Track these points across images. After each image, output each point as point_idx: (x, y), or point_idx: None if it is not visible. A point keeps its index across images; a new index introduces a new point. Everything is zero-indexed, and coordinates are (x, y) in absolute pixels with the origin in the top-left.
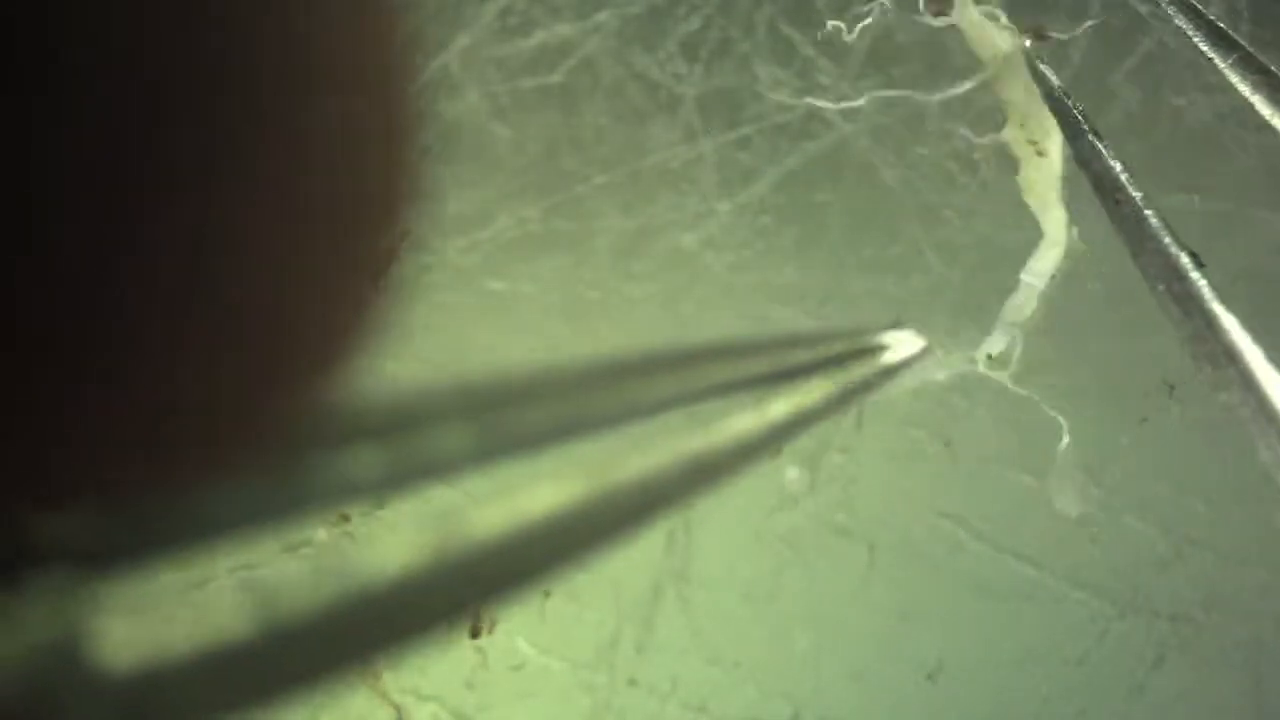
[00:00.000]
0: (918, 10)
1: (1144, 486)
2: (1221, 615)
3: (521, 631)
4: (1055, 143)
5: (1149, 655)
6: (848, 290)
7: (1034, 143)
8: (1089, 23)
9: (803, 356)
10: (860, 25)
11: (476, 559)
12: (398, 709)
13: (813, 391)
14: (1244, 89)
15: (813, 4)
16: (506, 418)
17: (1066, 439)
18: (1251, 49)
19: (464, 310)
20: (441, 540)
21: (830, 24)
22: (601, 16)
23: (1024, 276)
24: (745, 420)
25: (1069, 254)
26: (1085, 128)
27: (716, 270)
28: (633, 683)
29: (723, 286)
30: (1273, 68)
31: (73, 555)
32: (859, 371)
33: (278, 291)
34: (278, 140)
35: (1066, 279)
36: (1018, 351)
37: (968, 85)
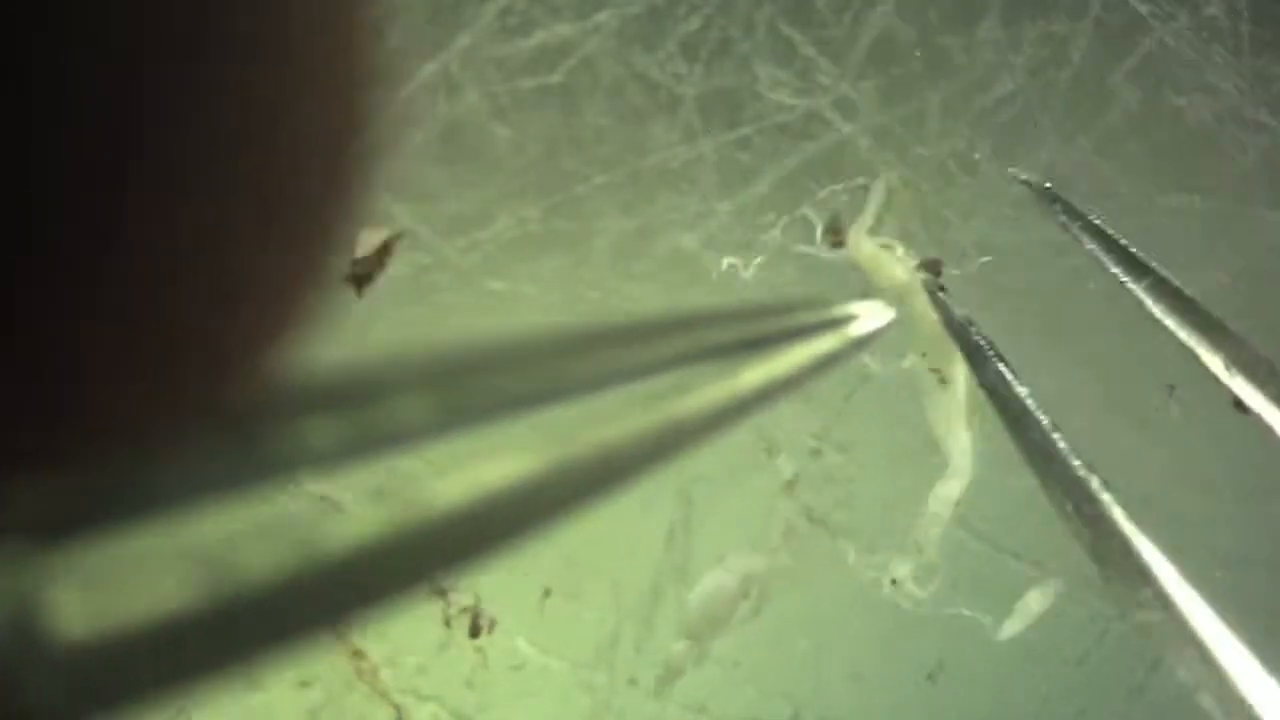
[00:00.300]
0: (813, 242)
1: (1144, 486)
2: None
3: (521, 631)
4: (959, 371)
5: (1149, 655)
6: (848, 290)
7: (936, 371)
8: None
9: (770, 327)
10: (755, 262)
11: (439, 528)
12: (398, 709)
13: (780, 362)
14: (1157, 311)
15: (813, 4)
16: (468, 388)
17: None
18: (1165, 273)
19: (464, 310)
20: (403, 510)
21: (726, 262)
22: (601, 16)
23: (930, 503)
24: (713, 391)
25: (974, 482)
26: (991, 355)
27: (716, 270)
28: (633, 683)
29: (723, 287)
30: (1186, 291)
31: (29, 526)
32: (827, 342)
33: (233, 264)
34: (235, 118)
35: (1011, 485)
36: (919, 576)
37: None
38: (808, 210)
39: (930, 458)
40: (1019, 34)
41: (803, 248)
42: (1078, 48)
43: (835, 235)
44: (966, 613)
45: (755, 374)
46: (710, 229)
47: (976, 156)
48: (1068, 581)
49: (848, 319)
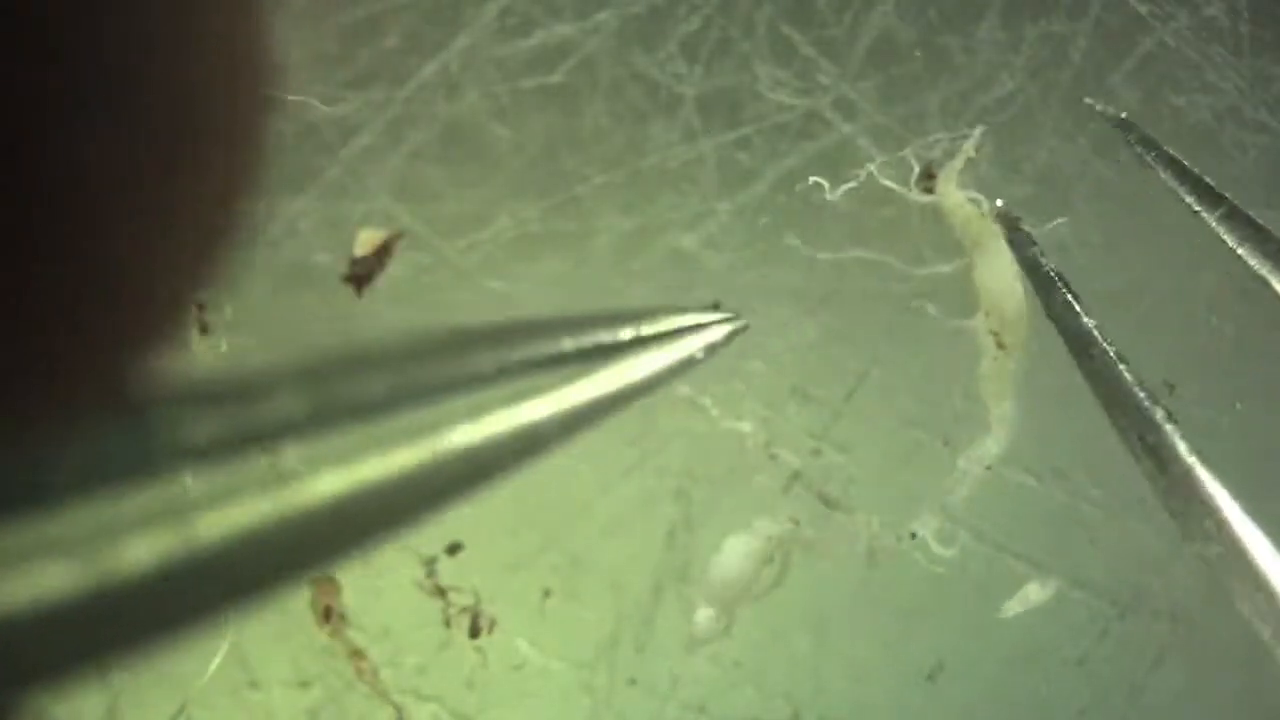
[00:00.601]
0: (908, 184)
1: (1144, 486)
2: (1221, 615)
3: (521, 631)
4: (1018, 338)
5: (1149, 655)
6: (847, 289)
7: (995, 334)
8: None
9: (627, 334)
10: (845, 187)
11: (312, 522)
12: (398, 709)
13: (637, 368)
14: (1230, 240)
15: (813, 4)
16: (342, 386)
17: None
18: (1237, 203)
19: (464, 310)
20: (279, 505)
21: (812, 179)
22: (601, 16)
23: (961, 462)
24: (570, 394)
25: (1010, 449)
26: (1060, 286)
27: (716, 270)
28: (633, 683)
29: (723, 286)
30: (1259, 221)
31: None
32: (681, 349)
33: (124, 262)
34: (128, 113)
35: (1011, 483)
36: (943, 535)
37: (945, 266)
38: (909, 153)
39: (957, 423)
40: (1019, 34)
41: (893, 185)
42: (1078, 48)
43: (929, 180)
44: (969, 602)
45: (610, 379)
46: (710, 229)
47: (975, 155)
48: (1068, 581)
49: (700, 327)
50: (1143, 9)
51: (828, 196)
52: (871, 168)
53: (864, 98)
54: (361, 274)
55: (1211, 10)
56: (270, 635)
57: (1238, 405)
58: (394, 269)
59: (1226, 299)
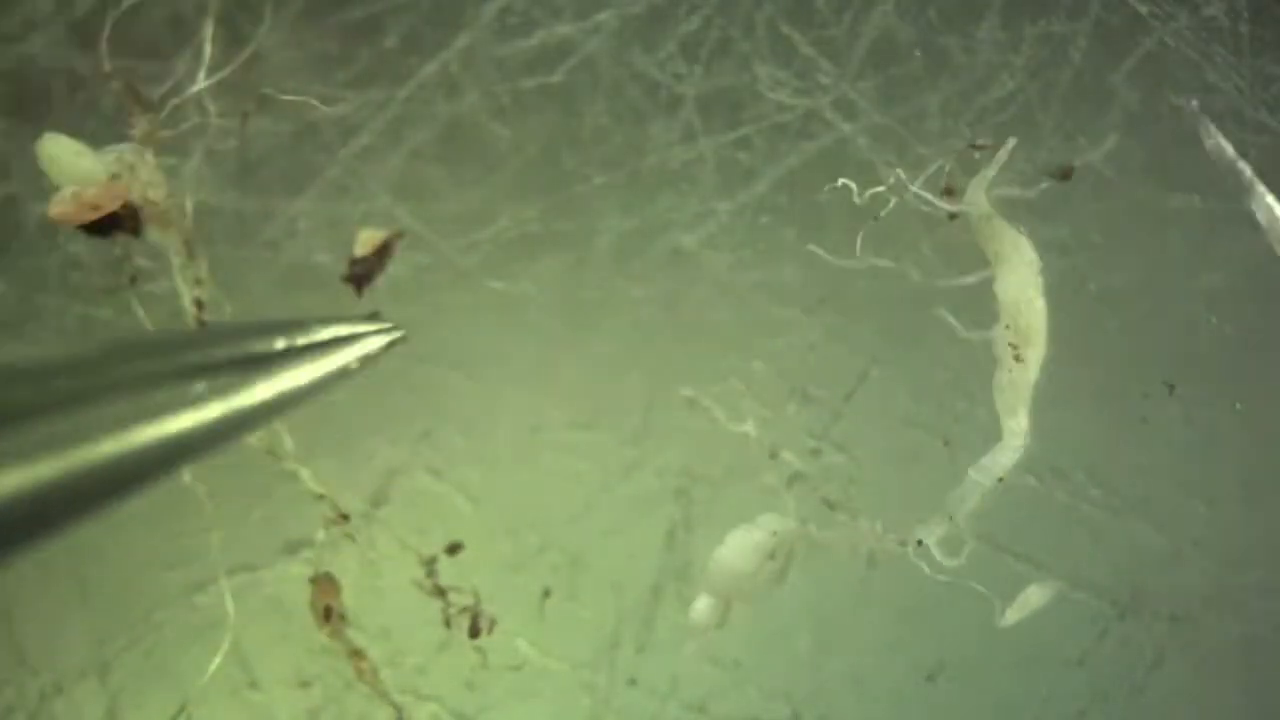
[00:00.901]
0: (937, 191)
1: (1144, 486)
2: (1221, 615)
3: (521, 631)
4: (1035, 353)
5: (1149, 655)
6: (847, 289)
7: (1014, 347)
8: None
9: (281, 344)
10: (871, 191)
11: None
12: (398, 709)
13: (292, 378)
14: None
15: (813, 4)
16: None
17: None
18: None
19: (464, 310)
20: None
21: (842, 181)
22: (601, 16)
23: (972, 473)
24: (227, 402)
25: (1021, 462)
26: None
27: (716, 270)
28: (633, 683)
29: (723, 286)
30: None
31: None
32: (336, 359)
33: None
34: None
35: (1011, 484)
36: (946, 540)
37: (968, 278)
38: (933, 160)
39: (958, 424)
40: (1019, 34)
41: (919, 192)
42: (1078, 48)
43: (951, 193)
44: (969, 602)
45: (269, 388)
46: (710, 229)
47: (976, 157)
48: (1069, 582)
49: (358, 337)
50: (1143, 9)
51: (855, 200)
52: (899, 170)
53: (864, 98)
54: (361, 274)
55: (1211, 10)
56: (270, 635)
57: (1237, 405)
58: (394, 269)
59: (1227, 299)
